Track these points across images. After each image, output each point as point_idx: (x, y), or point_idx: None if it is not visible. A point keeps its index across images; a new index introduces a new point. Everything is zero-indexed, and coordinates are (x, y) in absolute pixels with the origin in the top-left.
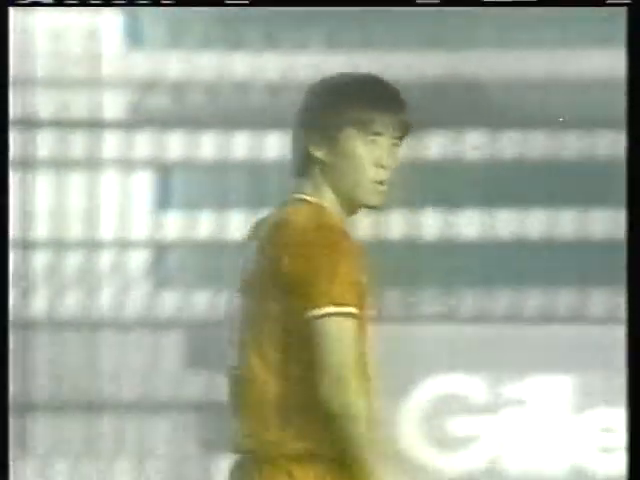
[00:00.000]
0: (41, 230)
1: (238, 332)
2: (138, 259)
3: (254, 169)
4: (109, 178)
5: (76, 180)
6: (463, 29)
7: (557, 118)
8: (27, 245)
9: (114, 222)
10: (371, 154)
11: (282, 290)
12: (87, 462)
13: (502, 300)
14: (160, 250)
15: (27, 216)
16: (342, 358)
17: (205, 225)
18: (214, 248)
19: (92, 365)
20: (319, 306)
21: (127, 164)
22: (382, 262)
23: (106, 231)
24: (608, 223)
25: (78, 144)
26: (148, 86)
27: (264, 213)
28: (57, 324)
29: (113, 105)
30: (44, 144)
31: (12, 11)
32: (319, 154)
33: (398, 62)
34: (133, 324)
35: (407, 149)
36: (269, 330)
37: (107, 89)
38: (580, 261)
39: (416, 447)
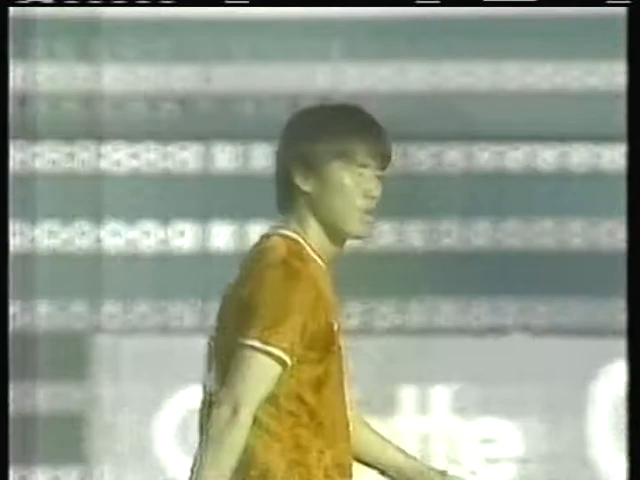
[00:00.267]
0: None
1: (213, 356)
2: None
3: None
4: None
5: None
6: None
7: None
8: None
9: None
10: (359, 186)
11: (237, 317)
12: None
13: None
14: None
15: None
16: (245, 392)
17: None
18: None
19: None
20: (249, 337)
21: None
22: None
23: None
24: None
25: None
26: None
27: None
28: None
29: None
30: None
31: (12, 11)
32: (306, 188)
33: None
34: None
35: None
36: (223, 356)
37: None
38: (463, 272)
39: (170, 457)
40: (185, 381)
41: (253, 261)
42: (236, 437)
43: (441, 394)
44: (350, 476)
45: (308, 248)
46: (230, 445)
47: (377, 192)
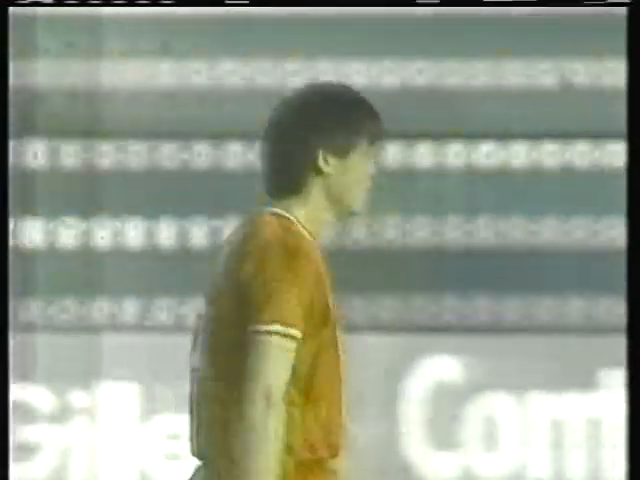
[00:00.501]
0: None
1: (200, 337)
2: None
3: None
4: None
5: None
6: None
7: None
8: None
9: None
10: (370, 166)
11: (236, 299)
12: None
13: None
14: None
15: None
16: (275, 379)
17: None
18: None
19: None
20: (264, 322)
21: None
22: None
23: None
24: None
25: None
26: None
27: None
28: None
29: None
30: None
31: (12, 11)
32: (328, 169)
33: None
34: None
35: None
36: (219, 337)
37: None
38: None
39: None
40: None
41: (247, 241)
42: (276, 425)
43: (129, 391)
44: (339, 456)
45: (297, 224)
46: (274, 434)
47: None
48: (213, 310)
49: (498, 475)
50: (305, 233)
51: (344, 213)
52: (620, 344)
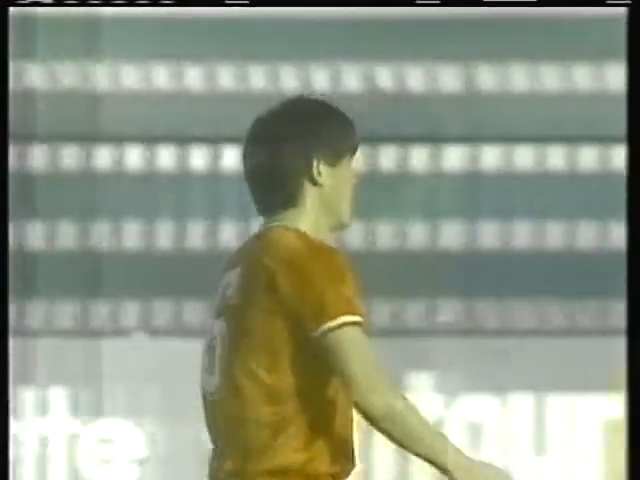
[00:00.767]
0: None
1: (218, 357)
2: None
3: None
4: None
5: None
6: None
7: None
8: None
9: None
10: (352, 176)
11: (281, 311)
12: None
13: None
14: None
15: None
16: (368, 364)
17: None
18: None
19: None
20: (332, 318)
21: None
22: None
23: None
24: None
25: None
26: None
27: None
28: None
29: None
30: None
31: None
32: (321, 181)
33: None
34: None
35: None
36: (264, 351)
37: None
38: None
39: None
40: None
41: (271, 254)
42: (400, 402)
43: (58, 396)
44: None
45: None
46: (405, 410)
47: None
48: (239, 329)
49: None
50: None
51: (336, 224)
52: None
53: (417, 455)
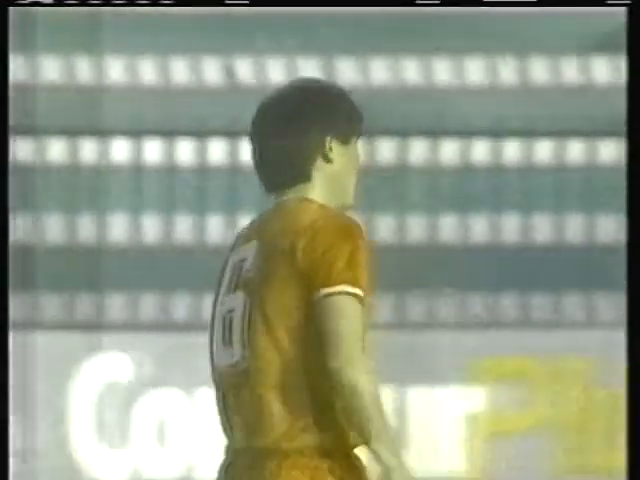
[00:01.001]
0: None
1: (240, 329)
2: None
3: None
4: None
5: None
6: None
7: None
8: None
9: None
10: (358, 160)
11: (299, 277)
12: None
13: None
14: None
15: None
16: (353, 336)
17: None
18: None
19: None
20: (335, 284)
21: None
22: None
23: None
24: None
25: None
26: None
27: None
28: None
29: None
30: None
31: (12, 11)
32: (333, 157)
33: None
34: None
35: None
36: (285, 319)
37: None
38: (164, 268)
39: None
40: None
41: (298, 226)
42: (365, 380)
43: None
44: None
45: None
46: (367, 389)
47: None
48: (260, 300)
49: (167, 474)
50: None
51: (341, 204)
52: None
53: (360, 434)
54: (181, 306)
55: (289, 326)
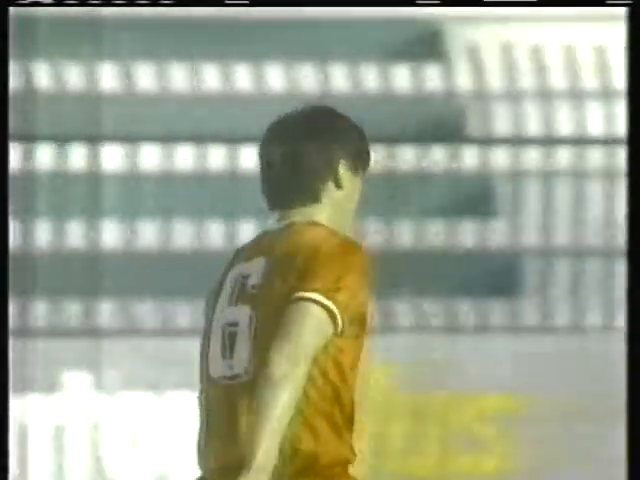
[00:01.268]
0: None
1: (244, 342)
2: None
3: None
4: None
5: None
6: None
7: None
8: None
9: None
10: (359, 193)
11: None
12: None
13: None
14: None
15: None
16: (306, 342)
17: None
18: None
19: None
20: (307, 289)
21: None
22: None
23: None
24: None
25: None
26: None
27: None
28: None
29: None
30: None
31: (12, 11)
32: (343, 184)
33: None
34: None
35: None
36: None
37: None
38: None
39: None
40: None
41: (304, 245)
42: (293, 391)
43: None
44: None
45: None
46: (288, 401)
47: None
48: (265, 317)
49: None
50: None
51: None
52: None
53: (255, 423)
54: (180, 313)
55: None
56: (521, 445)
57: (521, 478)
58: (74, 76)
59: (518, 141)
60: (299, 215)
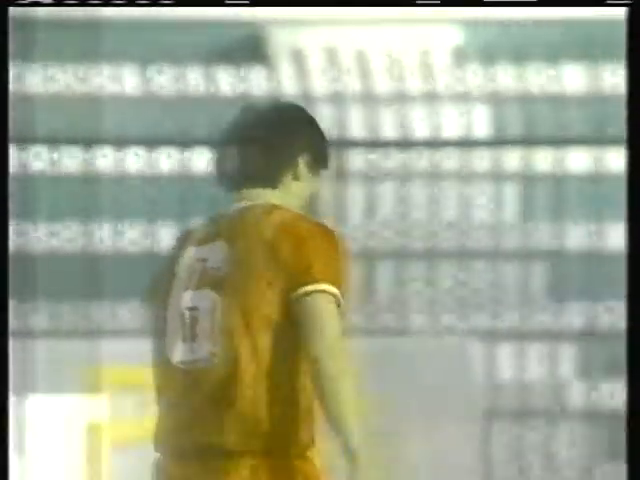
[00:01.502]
0: None
1: (207, 326)
2: None
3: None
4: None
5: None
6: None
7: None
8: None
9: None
10: (311, 192)
11: (279, 277)
12: None
13: None
14: None
15: None
16: (336, 330)
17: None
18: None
19: None
20: (317, 282)
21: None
22: None
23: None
24: None
25: None
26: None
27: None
28: None
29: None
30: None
31: (12, 11)
32: (301, 176)
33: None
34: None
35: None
36: (264, 318)
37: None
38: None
39: None
40: None
41: (272, 228)
42: (350, 378)
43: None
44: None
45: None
46: (350, 387)
47: None
48: (234, 300)
49: None
50: None
51: None
52: None
53: (332, 421)
54: None
55: (267, 324)
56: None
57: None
58: (65, 77)
59: (344, 144)
60: (256, 198)
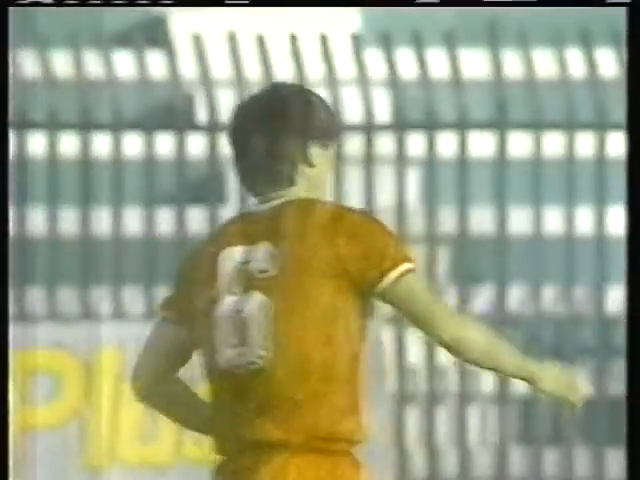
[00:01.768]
0: None
1: (256, 330)
2: None
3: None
4: None
5: None
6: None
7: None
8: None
9: None
10: (333, 164)
11: (342, 274)
12: None
13: None
14: None
15: None
16: (443, 300)
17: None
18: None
19: None
20: (397, 265)
21: None
22: None
23: None
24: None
25: None
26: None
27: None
28: None
29: None
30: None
31: (12, 11)
32: (314, 161)
33: None
34: None
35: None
36: (321, 318)
37: None
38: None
39: None
40: None
41: (319, 223)
42: (477, 324)
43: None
44: None
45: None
46: (485, 333)
47: None
48: (287, 299)
49: None
50: None
51: None
52: None
53: (503, 372)
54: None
55: (323, 322)
56: None
57: None
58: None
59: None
60: (283, 195)
